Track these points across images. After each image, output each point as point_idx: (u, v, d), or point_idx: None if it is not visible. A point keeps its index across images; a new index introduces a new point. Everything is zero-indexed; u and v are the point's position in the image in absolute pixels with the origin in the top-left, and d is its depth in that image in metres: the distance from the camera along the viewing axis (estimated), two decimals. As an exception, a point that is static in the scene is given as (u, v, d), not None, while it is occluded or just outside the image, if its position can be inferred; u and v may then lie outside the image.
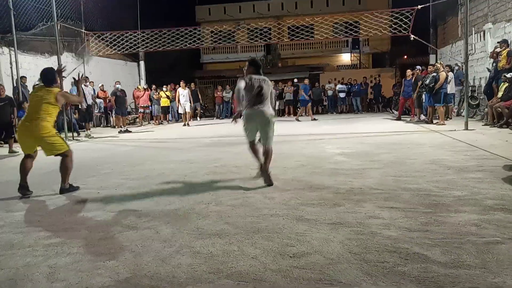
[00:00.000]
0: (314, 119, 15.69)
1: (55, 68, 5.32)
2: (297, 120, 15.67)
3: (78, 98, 5.70)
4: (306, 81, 16.83)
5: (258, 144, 5.15)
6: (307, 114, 16.89)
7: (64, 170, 4.86)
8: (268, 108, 4.98)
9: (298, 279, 2.36)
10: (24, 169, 4.86)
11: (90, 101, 12.85)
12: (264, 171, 4.92)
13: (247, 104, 5.00)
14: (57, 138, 4.86)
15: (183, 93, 15.25)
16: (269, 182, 4.81)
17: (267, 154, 4.95)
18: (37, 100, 4.82)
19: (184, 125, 15.21)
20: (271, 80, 5.60)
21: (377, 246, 2.78)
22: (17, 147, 9.90)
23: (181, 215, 3.73)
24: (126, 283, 2.40)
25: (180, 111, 15.63)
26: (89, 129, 12.81)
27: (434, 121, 11.87)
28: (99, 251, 2.92)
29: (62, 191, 4.84)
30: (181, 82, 15.44)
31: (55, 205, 4.34)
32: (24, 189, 4.81)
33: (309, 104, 16.53)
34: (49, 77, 4.95)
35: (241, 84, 4.95)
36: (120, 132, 13.45)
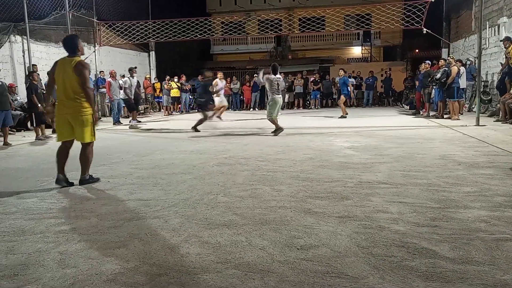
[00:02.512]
0: (345, 115, 13.76)
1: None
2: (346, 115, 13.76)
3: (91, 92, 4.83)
4: (342, 72, 14.02)
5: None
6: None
7: (85, 160, 4.70)
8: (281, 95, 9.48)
9: (305, 271, 2.37)
10: (61, 159, 4.67)
11: (133, 92, 12.21)
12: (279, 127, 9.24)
13: (274, 93, 9.13)
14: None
15: (221, 85, 13.70)
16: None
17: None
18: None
19: (218, 117, 13.55)
20: (280, 73, 9.59)
21: (385, 240, 2.78)
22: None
23: (190, 205, 3.75)
24: (135, 271, 2.44)
25: (217, 103, 13.62)
26: (135, 119, 12.47)
27: (445, 116, 11.76)
28: (109, 239, 2.96)
29: (82, 182, 4.69)
30: (219, 73, 13.96)
31: (66, 192, 4.40)
32: (60, 181, 4.62)
33: (342, 96, 14.01)
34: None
35: (272, 78, 9.12)
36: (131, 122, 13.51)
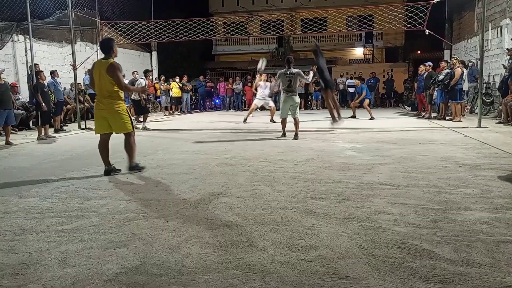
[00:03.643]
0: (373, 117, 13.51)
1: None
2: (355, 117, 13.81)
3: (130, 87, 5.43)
4: (357, 82, 14.16)
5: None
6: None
7: (129, 148, 5.24)
8: (296, 94, 8.38)
9: (306, 272, 2.37)
10: (103, 152, 5.26)
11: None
12: (295, 134, 8.29)
13: (283, 91, 8.29)
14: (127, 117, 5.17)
15: (264, 86, 12.46)
16: (297, 138, 8.17)
17: (296, 122, 8.39)
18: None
19: (272, 120, 12.55)
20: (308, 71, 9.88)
21: (385, 241, 2.78)
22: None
23: (191, 205, 3.76)
24: (135, 270, 2.44)
25: (258, 104, 12.70)
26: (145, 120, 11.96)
27: (447, 118, 11.74)
28: (110, 239, 2.96)
29: (131, 168, 5.23)
30: (263, 75, 12.72)
31: (68, 192, 4.40)
32: (108, 173, 5.18)
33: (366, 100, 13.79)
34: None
35: (282, 72, 8.26)
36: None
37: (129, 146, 5.25)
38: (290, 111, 8.35)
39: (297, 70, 8.25)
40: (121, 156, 6.60)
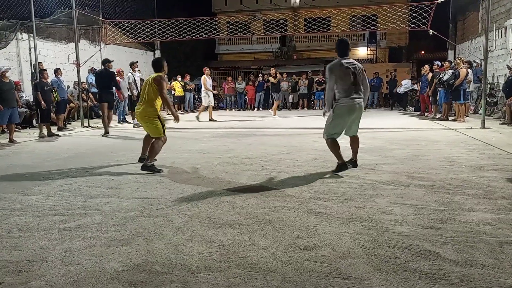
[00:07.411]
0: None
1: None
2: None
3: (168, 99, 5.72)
4: None
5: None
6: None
7: (151, 149, 5.51)
8: (362, 99, 4.97)
9: (308, 271, 2.37)
10: (144, 143, 5.80)
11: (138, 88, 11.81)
12: (354, 159, 5.29)
13: (340, 95, 4.87)
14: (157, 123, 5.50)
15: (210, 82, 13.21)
16: (356, 165, 5.25)
17: (358, 141, 5.28)
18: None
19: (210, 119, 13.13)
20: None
21: (388, 241, 2.77)
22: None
23: (194, 204, 3.76)
24: (138, 268, 2.45)
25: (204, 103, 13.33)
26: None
27: (450, 118, 11.70)
28: (113, 237, 2.97)
29: (143, 167, 5.35)
30: (206, 69, 13.28)
31: (71, 190, 4.41)
32: (140, 160, 5.72)
33: None
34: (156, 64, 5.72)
35: (339, 64, 4.89)
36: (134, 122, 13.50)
37: (151, 147, 5.51)
38: (351, 126, 5.08)
39: (352, 61, 4.99)
40: (125, 155, 6.63)
